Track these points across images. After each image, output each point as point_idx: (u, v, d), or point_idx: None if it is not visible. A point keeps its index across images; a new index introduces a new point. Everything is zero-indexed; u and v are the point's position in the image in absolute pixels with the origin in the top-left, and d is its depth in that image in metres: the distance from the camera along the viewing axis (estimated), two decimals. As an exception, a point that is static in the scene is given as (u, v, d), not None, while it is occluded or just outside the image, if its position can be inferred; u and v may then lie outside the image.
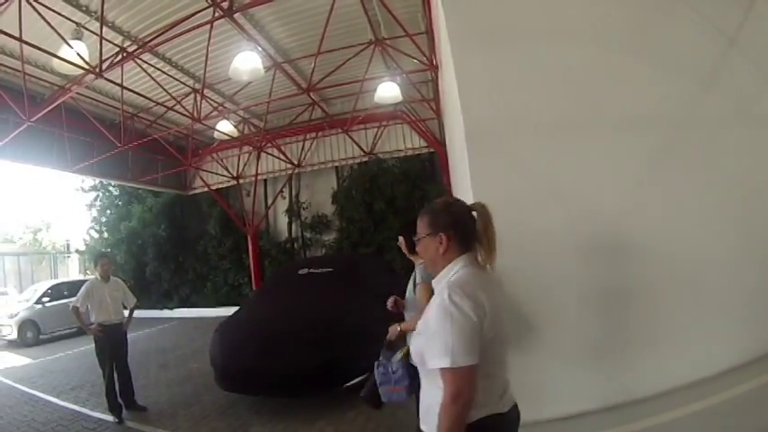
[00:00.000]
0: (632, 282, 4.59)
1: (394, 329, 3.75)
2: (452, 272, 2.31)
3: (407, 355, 3.12)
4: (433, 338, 2.14)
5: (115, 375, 6.89)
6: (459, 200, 2.57)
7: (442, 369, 2.10)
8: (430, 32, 10.01)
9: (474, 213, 2.42)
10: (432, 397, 2.22)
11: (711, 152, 4.89)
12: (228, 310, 9.75)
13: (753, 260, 4.79)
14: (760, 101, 5.11)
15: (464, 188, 6.58)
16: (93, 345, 6.91)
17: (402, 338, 3.64)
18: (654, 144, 4.88)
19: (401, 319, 4.13)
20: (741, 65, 5.12)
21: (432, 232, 2.37)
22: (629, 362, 4.58)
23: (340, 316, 6.73)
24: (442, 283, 2.30)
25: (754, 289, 4.73)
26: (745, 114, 5.07)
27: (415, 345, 2.38)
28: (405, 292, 4.46)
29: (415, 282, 4.16)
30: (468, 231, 2.38)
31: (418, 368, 2.39)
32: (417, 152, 16.71)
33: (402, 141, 16.70)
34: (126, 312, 7.23)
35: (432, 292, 2.49)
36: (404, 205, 16.53)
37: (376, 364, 3.42)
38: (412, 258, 4.27)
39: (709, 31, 5.16)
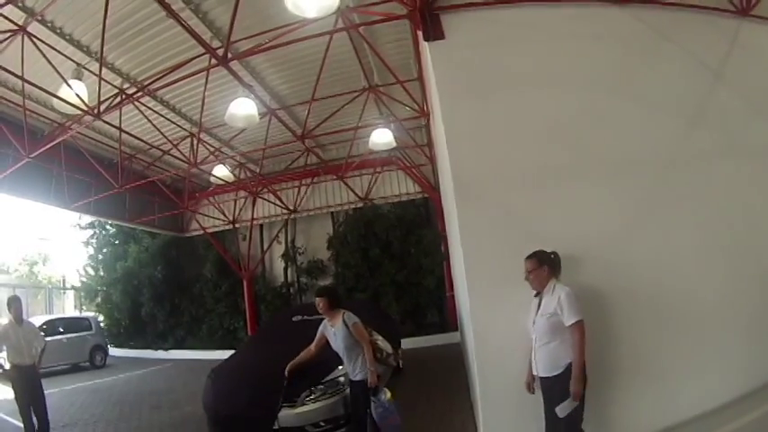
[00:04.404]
0: (622, 323, 4.63)
1: (374, 381, 5.23)
2: (552, 285, 4.34)
3: (392, 394, 5.40)
4: (569, 310, 4.09)
5: (35, 420, 7.13)
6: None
7: (575, 323, 4.06)
8: (421, 79, 10.24)
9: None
10: (559, 351, 4.16)
11: (700, 188, 4.97)
12: (224, 354, 9.69)
13: (744, 292, 4.84)
14: (747, 133, 5.20)
15: (454, 235, 6.66)
16: (12, 391, 7.19)
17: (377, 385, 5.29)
18: (642, 185, 4.96)
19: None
20: (727, 98, 5.23)
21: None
22: (622, 402, 4.59)
23: (332, 364, 6.52)
24: (555, 289, 4.30)
25: (746, 322, 4.77)
26: (733, 148, 5.15)
27: (541, 324, 4.27)
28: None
29: (347, 329, 5.44)
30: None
31: (542, 337, 4.27)
32: (412, 198, 16.87)
33: (397, 187, 16.87)
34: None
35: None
36: (399, 251, 16.59)
37: (373, 406, 5.17)
38: (326, 316, 5.63)
39: (695, 67, 5.29)
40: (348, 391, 5.94)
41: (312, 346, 5.86)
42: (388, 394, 5.39)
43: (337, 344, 5.52)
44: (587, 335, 4.11)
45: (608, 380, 4.56)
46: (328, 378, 6.20)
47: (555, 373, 4.19)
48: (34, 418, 7.12)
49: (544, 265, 4.38)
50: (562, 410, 4.03)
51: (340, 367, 6.09)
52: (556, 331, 4.19)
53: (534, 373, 4.41)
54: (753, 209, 5.04)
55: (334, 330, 5.53)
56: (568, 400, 4.02)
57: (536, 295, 4.47)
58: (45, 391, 7.46)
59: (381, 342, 5.70)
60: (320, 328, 5.77)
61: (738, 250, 4.94)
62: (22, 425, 7.22)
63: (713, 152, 5.10)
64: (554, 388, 4.18)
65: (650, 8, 5.48)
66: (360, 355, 5.40)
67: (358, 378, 5.42)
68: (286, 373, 5.90)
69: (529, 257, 4.44)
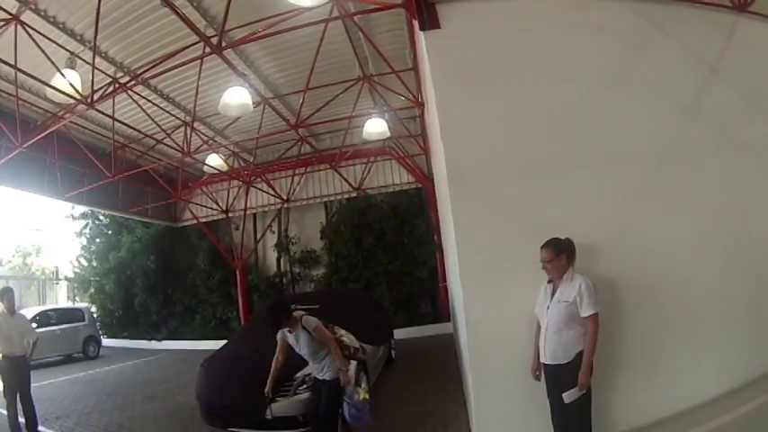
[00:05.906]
0: (615, 314, 4.61)
1: (347, 381, 5.22)
2: (571, 274, 4.30)
3: (366, 395, 5.53)
4: (588, 302, 4.13)
5: (19, 407, 7.04)
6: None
7: (592, 315, 4.11)
8: (416, 69, 10.23)
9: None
10: (570, 339, 4.19)
11: (696, 181, 4.98)
12: (217, 344, 9.70)
13: (739, 286, 4.87)
14: (743, 127, 5.23)
15: (447, 226, 6.65)
16: (2, 383, 7.13)
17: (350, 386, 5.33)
18: (638, 177, 4.96)
19: None
20: (723, 92, 5.24)
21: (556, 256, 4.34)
22: (614, 395, 4.60)
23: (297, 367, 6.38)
24: (574, 278, 4.28)
25: (740, 314, 4.81)
26: (728, 142, 5.18)
27: (557, 311, 4.25)
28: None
29: (308, 334, 5.29)
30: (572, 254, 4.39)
31: (555, 324, 4.25)
32: (405, 188, 16.88)
33: (390, 177, 16.87)
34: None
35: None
36: (392, 241, 16.62)
37: (346, 406, 5.25)
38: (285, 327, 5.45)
39: (691, 61, 5.30)
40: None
41: (278, 355, 5.61)
42: (362, 394, 5.40)
43: (301, 349, 5.38)
44: None
45: (602, 371, 4.55)
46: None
47: (564, 362, 4.21)
48: (21, 417, 7.06)
49: (563, 254, 4.32)
50: (569, 397, 4.08)
51: None
52: (571, 320, 4.21)
53: (542, 360, 4.40)
54: (747, 203, 5.08)
55: (294, 336, 5.35)
56: (575, 388, 4.07)
57: (549, 281, 4.44)
58: (39, 383, 7.43)
59: (346, 338, 5.63)
60: (279, 336, 5.52)
61: (733, 244, 4.98)
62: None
63: (709, 146, 5.12)
64: (562, 376, 4.21)
65: (648, 1, 5.48)
66: (327, 355, 5.28)
67: (327, 377, 5.30)
68: (269, 391, 5.59)
69: (545, 246, 4.38)
